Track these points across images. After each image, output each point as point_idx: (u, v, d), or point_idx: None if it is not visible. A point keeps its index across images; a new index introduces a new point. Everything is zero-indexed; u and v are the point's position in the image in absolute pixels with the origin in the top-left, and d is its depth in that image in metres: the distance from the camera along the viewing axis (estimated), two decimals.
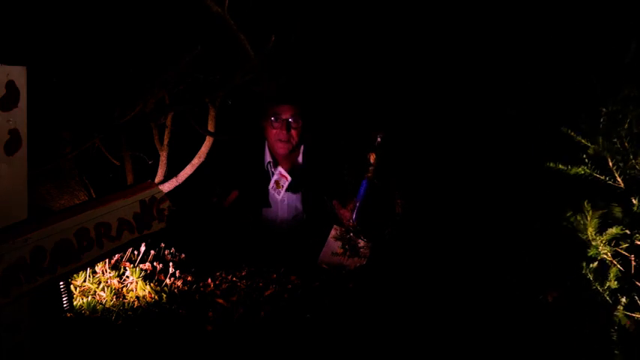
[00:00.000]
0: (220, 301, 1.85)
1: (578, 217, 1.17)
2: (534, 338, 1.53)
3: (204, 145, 2.30)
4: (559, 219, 1.22)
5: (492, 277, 1.82)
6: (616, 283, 1.19)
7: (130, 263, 1.99)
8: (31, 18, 1.93)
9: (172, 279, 1.95)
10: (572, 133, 1.21)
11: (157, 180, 2.27)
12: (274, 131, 2.70)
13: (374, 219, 2.30)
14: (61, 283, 1.59)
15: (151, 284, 1.89)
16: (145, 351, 1.56)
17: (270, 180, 2.79)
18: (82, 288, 1.85)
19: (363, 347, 1.59)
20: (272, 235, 2.77)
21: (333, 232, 2.34)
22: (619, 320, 1.18)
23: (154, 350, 1.56)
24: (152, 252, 2.04)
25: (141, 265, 1.97)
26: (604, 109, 1.17)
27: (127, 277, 1.92)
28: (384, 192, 2.36)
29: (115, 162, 2.35)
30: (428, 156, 2.52)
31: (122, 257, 2.01)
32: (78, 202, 2.25)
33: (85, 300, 1.76)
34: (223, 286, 1.98)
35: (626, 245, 1.22)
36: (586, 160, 1.22)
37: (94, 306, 1.74)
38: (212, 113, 2.30)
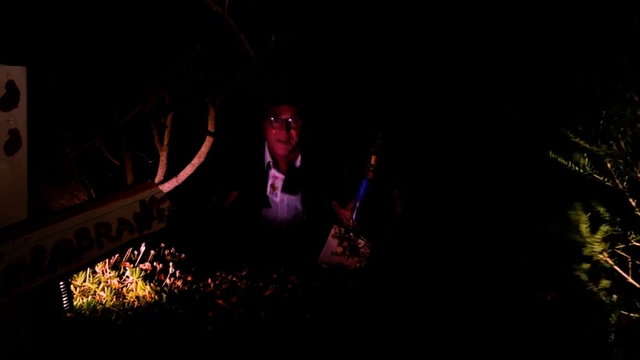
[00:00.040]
0: (220, 301, 1.85)
1: (572, 217, 1.17)
2: (534, 338, 1.53)
3: (204, 145, 2.30)
4: (556, 219, 1.22)
5: (492, 276, 1.82)
6: (608, 282, 1.20)
7: (130, 263, 1.99)
8: (31, 18, 1.93)
9: (172, 279, 1.95)
10: (571, 135, 1.21)
11: (157, 180, 2.27)
12: (274, 131, 2.70)
13: (374, 219, 2.30)
14: (61, 283, 1.59)
15: (151, 284, 1.89)
16: (145, 351, 1.56)
17: (271, 178, 2.80)
18: (82, 288, 1.85)
19: (363, 347, 1.60)
20: (272, 235, 2.77)
21: (333, 232, 2.34)
22: (615, 320, 1.19)
23: (154, 350, 1.56)
24: (152, 252, 2.04)
25: (141, 265, 1.97)
26: (604, 112, 1.17)
27: (127, 277, 1.92)
28: (384, 192, 2.36)
29: (115, 162, 2.35)
30: (428, 156, 2.52)
31: (122, 257, 2.01)
32: (78, 202, 2.25)
33: (85, 300, 1.76)
34: (223, 286, 1.98)
35: (623, 246, 1.23)
36: (585, 161, 1.22)
37: (94, 306, 1.74)
38: (212, 113, 2.30)
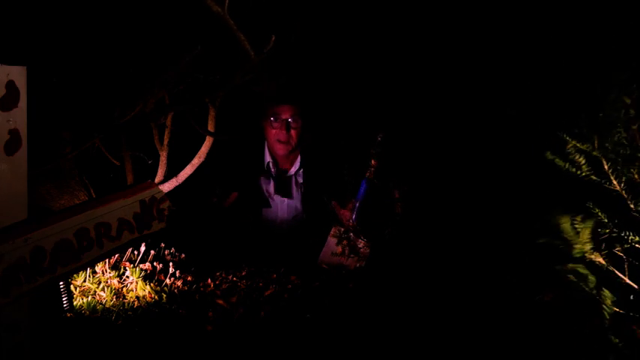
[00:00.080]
0: (220, 301, 1.85)
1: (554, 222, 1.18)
2: (534, 338, 1.53)
3: (204, 145, 2.30)
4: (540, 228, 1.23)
5: (492, 276, 1.82)
6: (594, 278, 1.20)
7: (130, 263, 1.99)
8: (31, 18, 1.93)
9: (172, 279, 1.95)
10: (568, 137, 1.21)
11: (157, 180, 2.27)
12: (274, 131, 2.70)
13: (374, 219, 2.30)
14: (61, 283, 1.59)
15: (151, 284, 1.89)
16: (145, 351, 1.56)
17: (269, 180, 2.80)
18: (82, 288, 1.85)
19: (363, 347, 1.60)
20: (272, 235, 2.77)
21: (332, 232, 2.34)
22: (609, 313, 1.19)
23: (154, 350, 1.57)
24: (152, 252, 2.05)
25: (141, 265, 1.97)
26: (600, 114, 1.17)
27: (127, 277, 1.92)
28: (384, 192, 2.36)
29: (115, 162, 2.35)
30: (428, 156, 2.53)
31: (122, 257, 2.01)
32: (78, 202, 2.25)
33: (85, 300, 1.76)
34: (223, 286, 1.98)
35: (619, 248, 1.23)
36: (582, 162, 1.22)
37: (94, 306, 1.74)
38: (212, 113, 2.30)
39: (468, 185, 2.32)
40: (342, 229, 2.24)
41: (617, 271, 1.23)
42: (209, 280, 1.99)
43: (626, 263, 1.22)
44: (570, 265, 1.20)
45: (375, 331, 1.65)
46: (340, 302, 1.85)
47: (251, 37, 2.03)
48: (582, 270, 1.21)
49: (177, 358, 1.55)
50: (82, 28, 2.00)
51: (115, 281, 1.89)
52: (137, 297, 1.83)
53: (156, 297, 1.84)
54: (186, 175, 2.27)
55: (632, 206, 1.22)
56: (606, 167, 1.21)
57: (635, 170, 1.18)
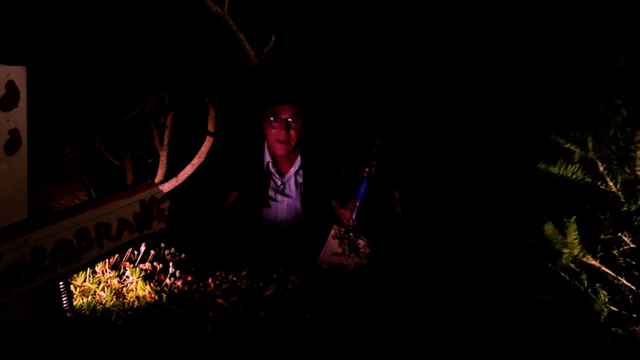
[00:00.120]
0: (220, 301, 1.85)
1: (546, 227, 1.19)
2: (534, 338, 1.53)
3: (204, 145, 2.30)
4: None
5: (492, 276, 1.82)
6: (585, 276, 1.21)
7: (130, 263, 1.99)
8: (31, 18, 1.93)
9: (172, 279, 1.95)
10: (562, 140, 1.21)
11: (157, 180, 2.27)
12: (273, 131, 2.70)
13: (374, 219, 2.30)
14: (61, 283, 1.59)
15: (151, 284, 1.89)
16: (145, 351, 1.56)
17: (269, 180, 2.80)
18: (82, 288, 1.85)
19: (363, 347, 1.60)
20: (272, 235, 2.77)
21: (333, 232, 2.34)
22: (600, 312, 1.19)
23: (154, 350, 1.57)
24: (152, 252, 2.05)
25: (141, 265, 1.97)
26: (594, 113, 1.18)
27: (127, 277, 1.92)
28: (384, 192, 2.36)
29: (115, 162, 2.35)
30: (428, 156, 2.52)
31: (122, 257, 2.01)
32: (78, 202, 2.26)
33: (85, 300, 1.76)
34: (223, 286, 1.98)
35: (617, 250, 1.24)
36: (575, 167, 1.22)
37: (94, 306, 1.74)
38: (212, 113, 2.30)
39: (468, 185, 2.32)
40: (342, 229, 2.24)
41: (613, 273, 1.23)
42: (209, 280, 1.99)
43: (623, 264, 1.23)
44: (563, 261, 1.20)
45: (375, 331, 1.65)
46: (340, 302, 1.85)
47: (251, 37, 2.03)
48: (575, 267, 1.22)
49: (177, 358, 1.55)
50: (82, 28, 2.00)
51: (115, 281, 1.89)
52: (137, 297, 1.83)
53: (156, 297, 1.84)
54: (186, 175, 2.27)
55: (630, 207, 1.22)
56: (601, 169, 1.21)
57: (630, 170, 1.18)
